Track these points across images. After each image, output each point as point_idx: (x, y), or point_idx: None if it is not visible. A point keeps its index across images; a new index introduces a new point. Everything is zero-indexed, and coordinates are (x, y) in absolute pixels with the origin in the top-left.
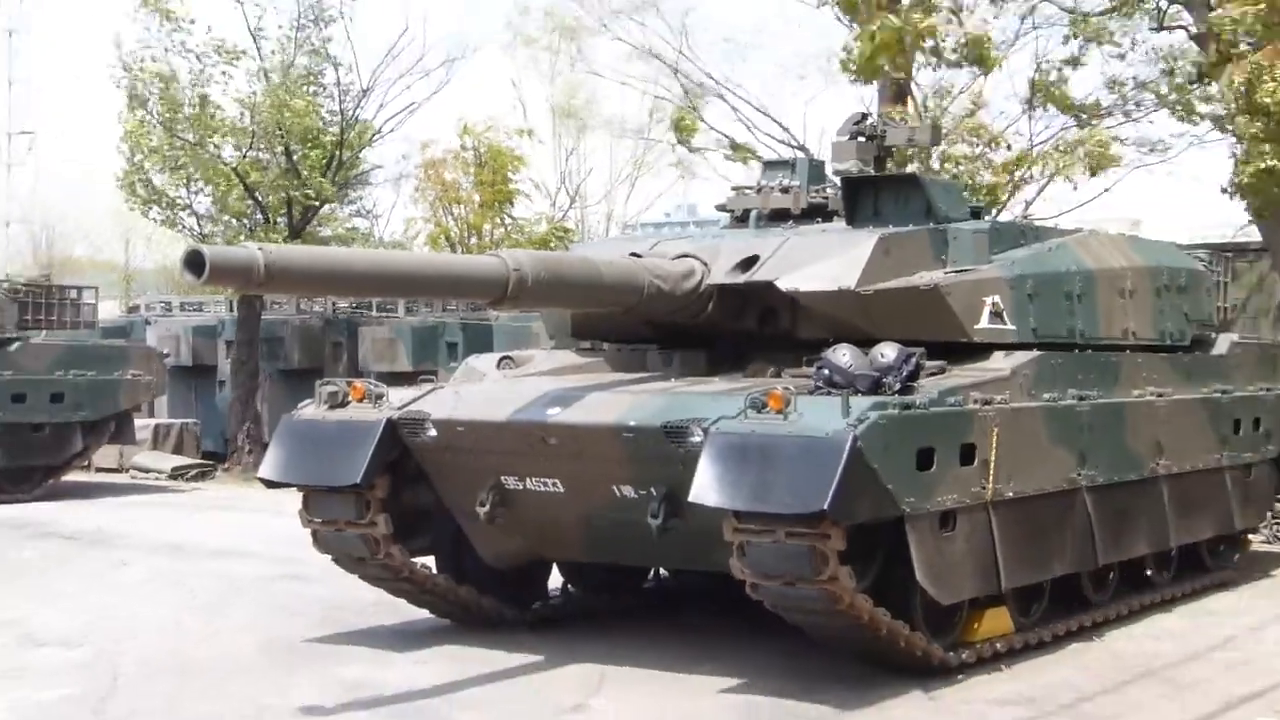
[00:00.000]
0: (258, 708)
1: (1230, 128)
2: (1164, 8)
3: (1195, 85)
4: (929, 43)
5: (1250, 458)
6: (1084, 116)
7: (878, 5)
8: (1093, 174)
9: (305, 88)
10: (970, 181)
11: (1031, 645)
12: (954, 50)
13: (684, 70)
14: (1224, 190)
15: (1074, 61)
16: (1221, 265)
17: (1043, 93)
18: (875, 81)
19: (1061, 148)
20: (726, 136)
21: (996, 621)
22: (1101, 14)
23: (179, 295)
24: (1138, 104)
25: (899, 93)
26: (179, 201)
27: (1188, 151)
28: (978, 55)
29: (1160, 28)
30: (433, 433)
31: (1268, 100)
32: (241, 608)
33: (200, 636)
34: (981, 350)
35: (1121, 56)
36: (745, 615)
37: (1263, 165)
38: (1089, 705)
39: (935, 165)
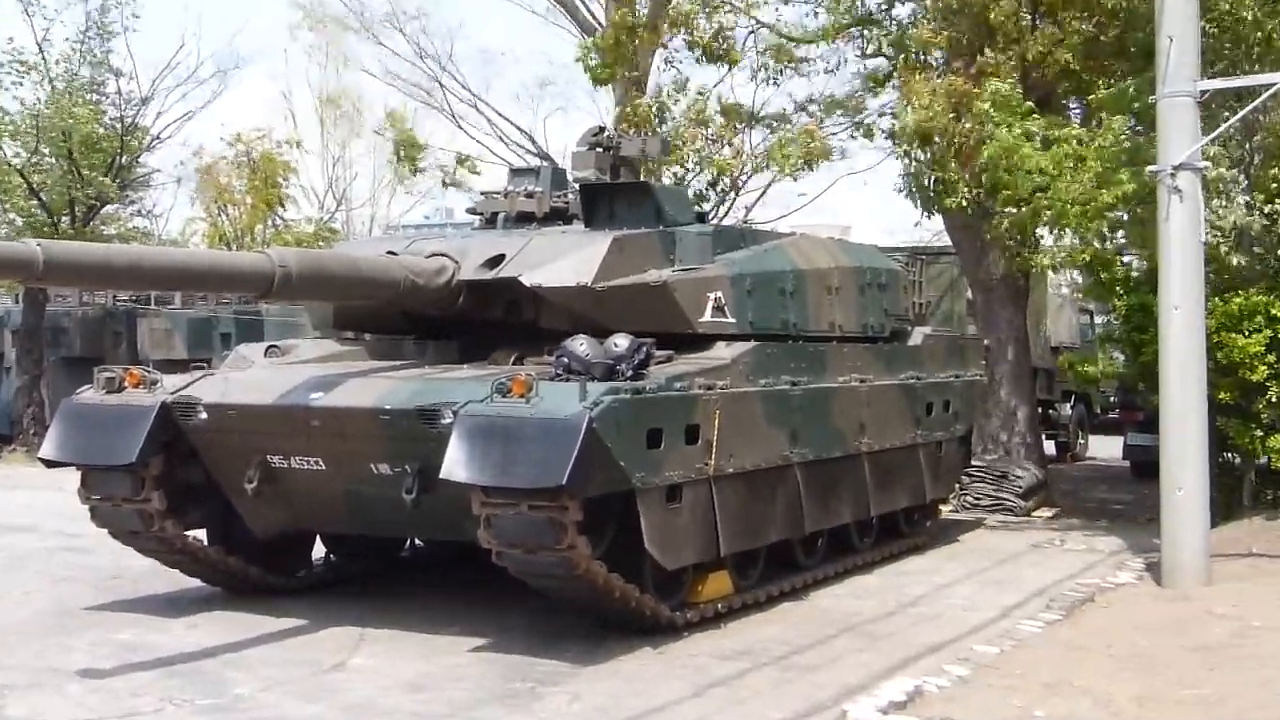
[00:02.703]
0: (40, 670)
1: (900, 145)
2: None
3: (877, 94)
4: (669, 37)
5: (941, 436)
6: (775, 125)
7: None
8: (809, 165)
9: (89, 96)
10: (704, 170)
11: (749, 605)
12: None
13: (445, 85)
14: (901, 192)
15: (769, 80)
16: (917, 266)
17: (733, 114)
18: (612, 83)
19: (779, 141)
20: (459, 155)
21: (718, 584)
22: (812, 42)
23: None
24: (822, 123)
25: (636, 85)
26: None
27: (886, 162)
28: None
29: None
30: (204, 415)
31: (911, 123)
32: (24, 578)
33: None
34: (705, 341)
35: (831, 73)
36: (492, 581)
37: (925, 183)
38: (798, 658)
39: (666, 173)
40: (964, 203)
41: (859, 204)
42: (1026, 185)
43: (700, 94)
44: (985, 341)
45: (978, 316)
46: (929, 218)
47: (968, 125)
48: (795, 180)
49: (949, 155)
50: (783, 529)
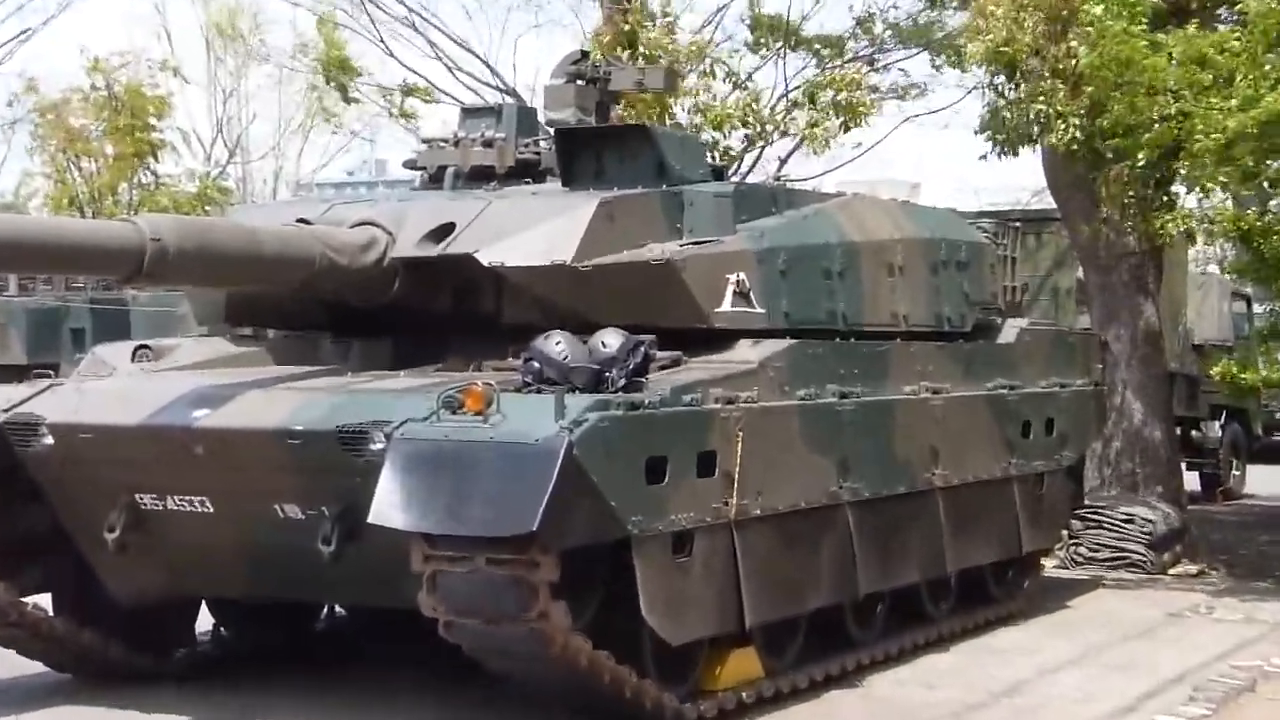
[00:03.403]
0: None
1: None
2: None
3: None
4: None
5: (1042, 466)
6: (825, 53)
7: None
8: (846, 127)
9: None
10: (711, 120)
11: (784, 694)
12: None
13: None
14: (980, 134)
15: None
16: (1010, 237)
17: (771, 28)
18: None
19: (806, 90)
20: (405, 83)
21: (743, 665)
22: None
23: None
24: (883, 48)
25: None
26: None
27: (967, 101)
28: None
29: None
30: (49, 440)
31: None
32: None
33: None
34: (724, 338)
35: None
36: (436, 662)
37: (1012, 115)
38: None
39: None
40: (1070, 137)
41: (932, 154)
42: (1146, 108)
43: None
44: (1103, 338)
45: (1092, 305)
46: (1005, 157)
47: (1073, 42)
48: (829, 147)
49: (1046, 84)
50: (829, 591)
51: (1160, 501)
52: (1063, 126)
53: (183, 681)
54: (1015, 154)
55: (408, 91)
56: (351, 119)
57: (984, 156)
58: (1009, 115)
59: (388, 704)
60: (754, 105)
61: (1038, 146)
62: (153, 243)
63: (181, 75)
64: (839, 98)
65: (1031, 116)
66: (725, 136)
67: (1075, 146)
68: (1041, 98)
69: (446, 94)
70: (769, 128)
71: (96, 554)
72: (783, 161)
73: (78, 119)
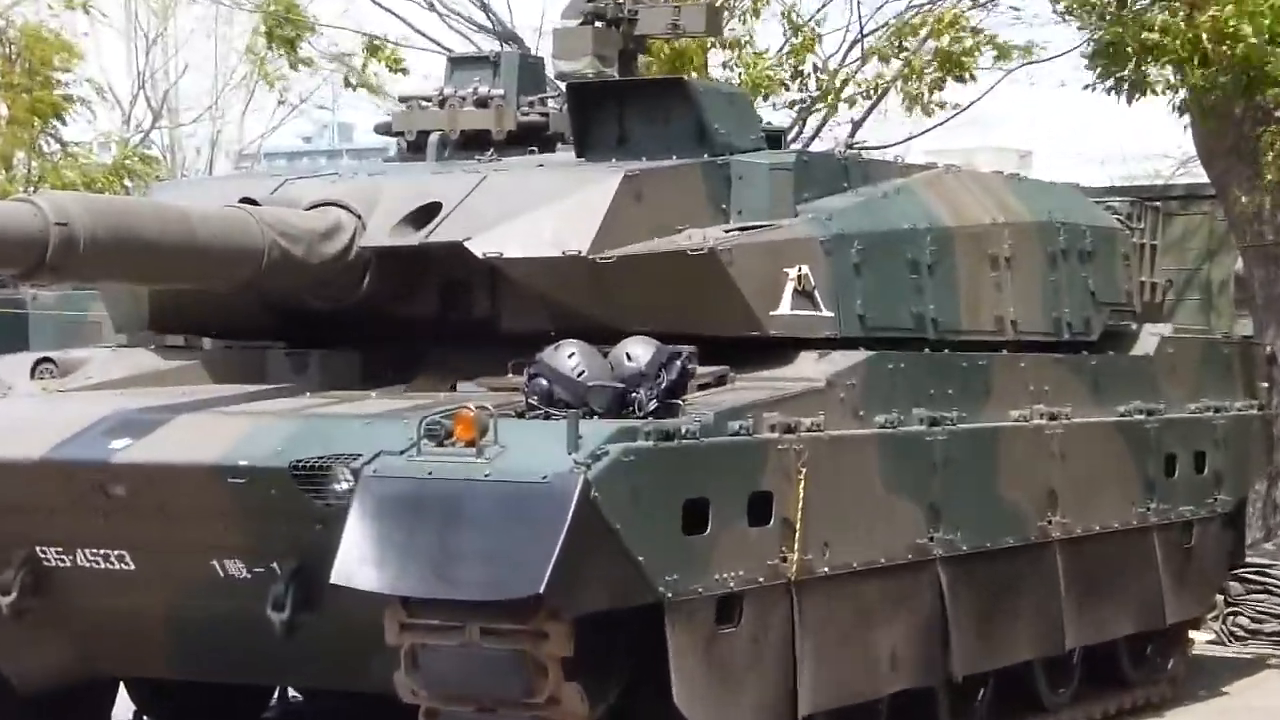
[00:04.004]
0: None
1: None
2: None
3: None
4: None
5: (1190, 513)
6: None
7: None
8: (941, 82)
9: None
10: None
11: None
12: None
13: None
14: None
15: None
16: (1148, 220)
17: None
18: None
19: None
20: (369, 40)
21: None
22: None
23: None
24: None
25: None
26: None
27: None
28: None
29: None
30: None
31: None
32: None
33: None
34: (782, 349)
35: None
36: None
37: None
38: None
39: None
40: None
41: (1046, 114)
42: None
43: None
44: (1269, 348)
45: (1255, 305)
46: (1121, 96)
47: None
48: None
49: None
50: (914, 672)
51: None
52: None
53: None
54: (1136, 94)
55: (372, 50)
56: (305, 85)
57: (1089, 86)
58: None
59: None
60: (811, 50)
61: (1177, 96)
62: (57, 228)
63: (96, 12)
64: (934, 44)
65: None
66: (766, 100)
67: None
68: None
69: (429, 39)
70: (838, 82)
71: None
72: (856, 124)
73: None
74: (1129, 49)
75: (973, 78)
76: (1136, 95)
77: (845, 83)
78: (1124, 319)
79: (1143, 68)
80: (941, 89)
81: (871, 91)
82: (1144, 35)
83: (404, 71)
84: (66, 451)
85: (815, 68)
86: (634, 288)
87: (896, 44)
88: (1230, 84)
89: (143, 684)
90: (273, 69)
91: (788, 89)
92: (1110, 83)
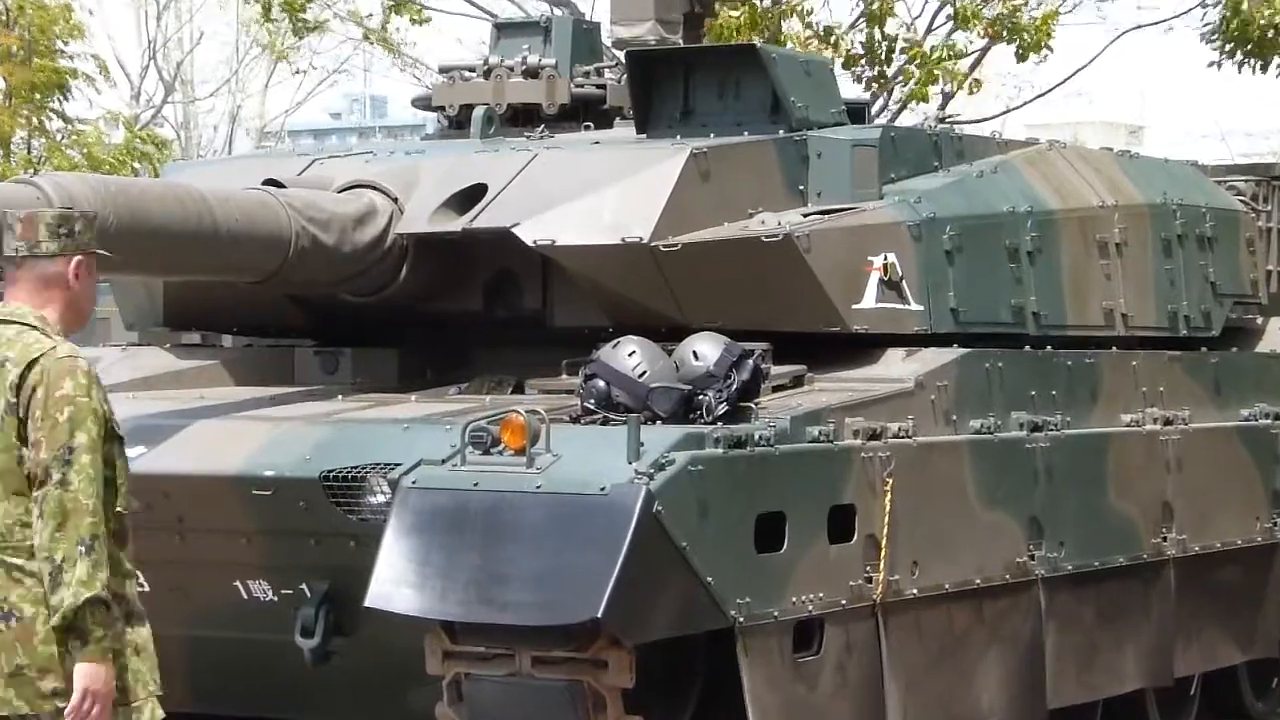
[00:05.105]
0: None
1: None
2: None
3: None
4: None
5: None
6: None
7: None
8: (1022, 55)
9: None
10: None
11: None
12: None
13: None
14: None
15: None
16: (1275, 201)
17: None
18: None
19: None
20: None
21: None
22: None
23: None
24: None
25: None
26: None
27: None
28: None
29: None
30: None
31: None
32: None
33: None
34: (867, 347)
35: None
36: None
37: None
38: None
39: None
40: None
41: (1158, 84)
42: None
43: None
44: None
45: None
46: (1253, 67)
47: None
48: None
49: None
50: (1011, 703)
51: None
52: None
53: None
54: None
55: (395, 6)
56: (334, 55)
57: (1214, 64)
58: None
59: None
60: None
61: None
62: None
63: None
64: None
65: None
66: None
67: None
68: None
69: (472, 3)
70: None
71: None
72: (948, 96)
73: None
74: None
75: (1049, 48)
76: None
77: (934, 53)
78: (1248, 312)
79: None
80: (1022, 59)
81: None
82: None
83: (425, 22)
84: None
85: (893, 37)
86: (701, 278)
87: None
88: None
89: None
90: (278, 40)
91: (859, 62)
92: (1239, 56)
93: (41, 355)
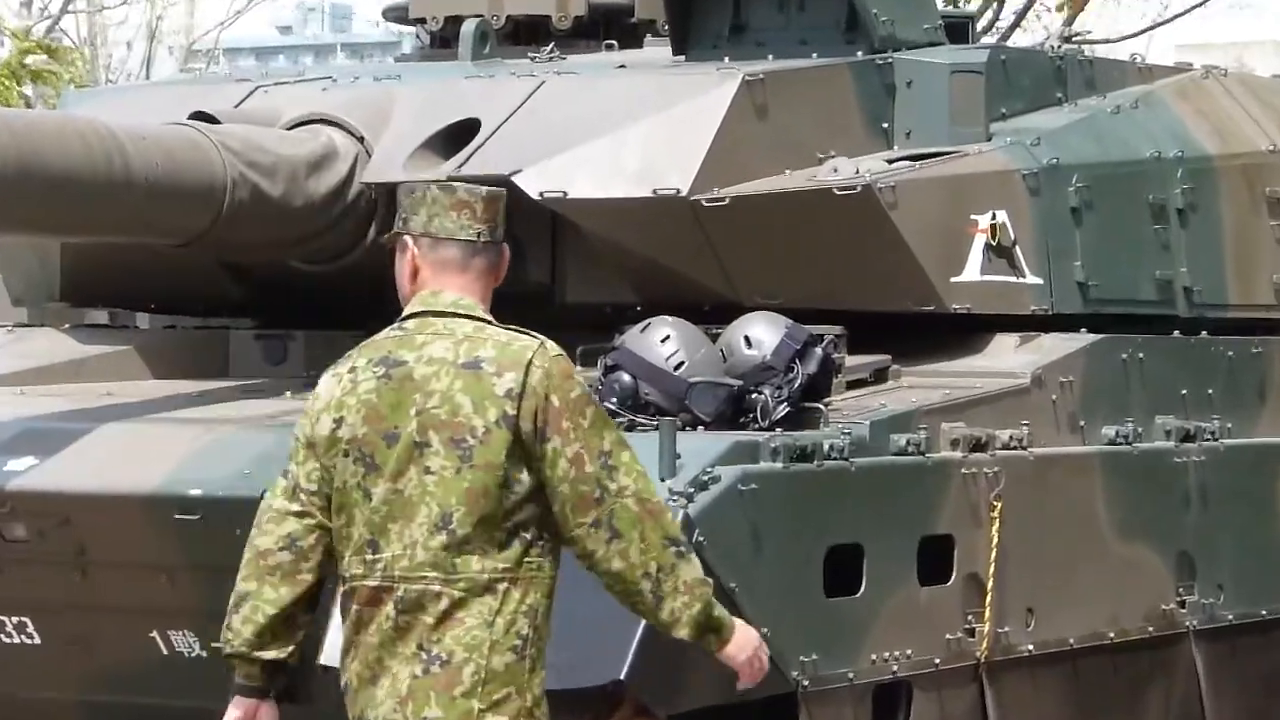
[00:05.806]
0: None
1: None
2: None
3: None
4: None
5: None
6: None
7: None
8: None
9: None
10: None
11: None
12: None
13: None
14: None
15: None
16: None
17: None
18: None
19: None
20: None
21: None
22: None
23: None
24: None
25: None
26: None
27: None
28: None
29: None
30: None
31: None
32: None
33: None
34: (969, 331)
35: None
36: None
37: None
38: None
39: None
40: None
41: None
42: None
43: None
44: None
45: None
46: None
47: None
48: None
49: None
50: None
51: None
52: None
53: None
54: None
55: None
56: None
57: None
58: None
59: None
60: None
61: None
62: None
63: None
64: None
65: None
66: None
67: None
68: None
69: None
70: None
71: None
72: (1074, 11)
73: None
74: None
75: None
76: None
77: None
78: None
79: None
80: None
81: None
82: None
83: None
84: None
85: None
86: (756, 242)
87: None
88: None
89: None
90: None
91: None
92: None
93: None
